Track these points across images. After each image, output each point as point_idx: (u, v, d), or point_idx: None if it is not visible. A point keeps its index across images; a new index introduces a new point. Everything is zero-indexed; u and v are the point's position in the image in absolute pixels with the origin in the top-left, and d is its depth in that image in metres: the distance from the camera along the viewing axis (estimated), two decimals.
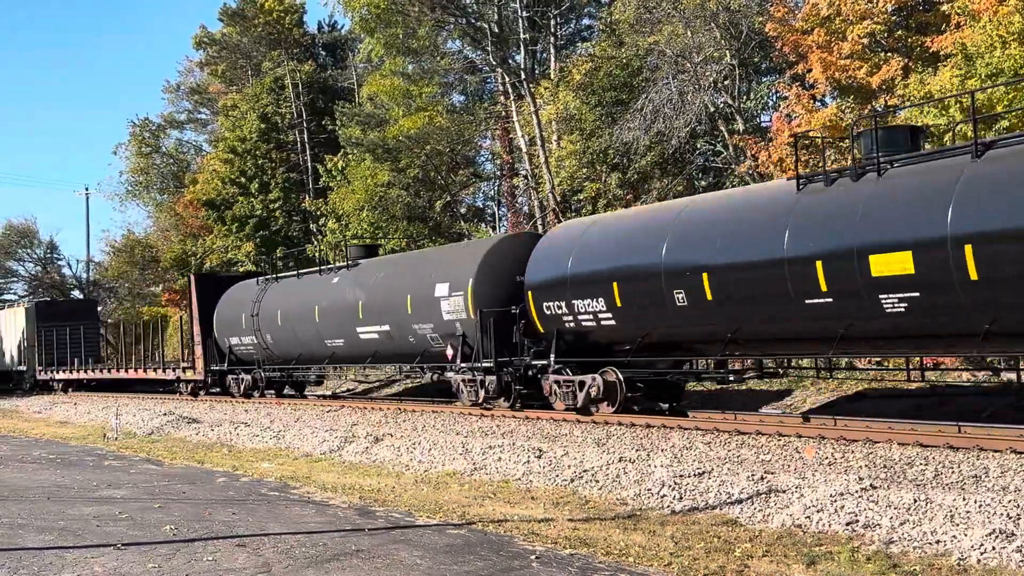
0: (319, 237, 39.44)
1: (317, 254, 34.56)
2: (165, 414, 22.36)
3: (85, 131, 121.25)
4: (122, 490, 11.84)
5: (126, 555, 7.91)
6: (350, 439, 15.65)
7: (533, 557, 7.59)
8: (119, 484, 12.40)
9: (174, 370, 31.35)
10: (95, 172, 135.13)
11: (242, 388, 27.29)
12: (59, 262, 70.70)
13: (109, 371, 36.36)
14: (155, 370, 33.05)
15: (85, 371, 37.03)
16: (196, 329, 28.97)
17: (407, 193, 34.25)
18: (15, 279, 60.11)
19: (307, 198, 43.21)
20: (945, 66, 18.71)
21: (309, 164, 44.70)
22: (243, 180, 44.58)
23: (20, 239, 73.07)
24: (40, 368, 39.63)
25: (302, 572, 7.22)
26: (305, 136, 45.23)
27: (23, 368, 41.39)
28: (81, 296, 59.81)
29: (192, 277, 31.25)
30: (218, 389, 29.31)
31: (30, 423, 25.06)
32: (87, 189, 63.01)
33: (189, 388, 29.93)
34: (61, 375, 38.15)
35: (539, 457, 12.26)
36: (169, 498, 11.06)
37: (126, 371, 34.85)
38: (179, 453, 16.21)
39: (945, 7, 19.66)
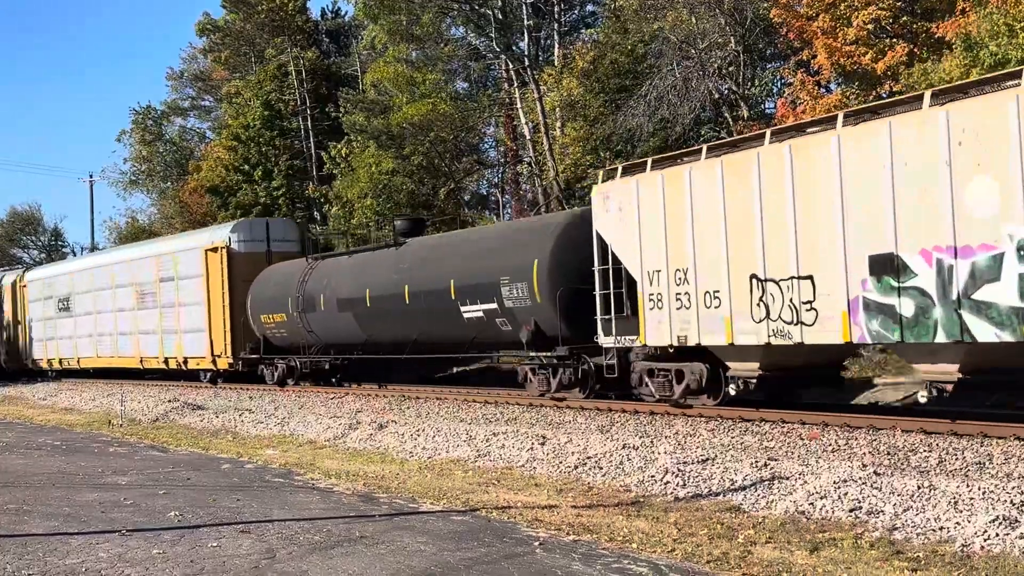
0: (323, 225, 39.46)
1: (322, 240, 34.58)
2: (170, 401, 22.41)
3: (90, 118, 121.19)
4: (127, 476, 11.88)
5: (131, 541, 7.94)
6: (354, 426, 15.68)
7: (537, 543, 7.61)
8: (124, 470, 12.44)
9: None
10: (100, 159, 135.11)
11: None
12: (63, 249, 70.83)
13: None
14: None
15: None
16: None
17: (411, 180, 34.23)
18: (19, 266, 60.15)
19: (311, 185, 43.20)
20: (950, 53, 18.62)
21: (312, 151, 44.69)
22: (247, 167, 44.56)
23: (24, 226, 73.22)
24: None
25: (306, 558, 7.24)
26: (308, 123, 45.19)
27: None
28: None
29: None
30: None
31: (35, 410, 25.14)
32: (91, 176, 62.93)
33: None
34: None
35: (543, 444, 12.28)
36: (174, 484, 11.10)
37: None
38: (184, 440, 16.26)
39: None
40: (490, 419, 15.59)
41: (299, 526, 8.41)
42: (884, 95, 21.04)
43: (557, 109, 30.25)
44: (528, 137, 31.98)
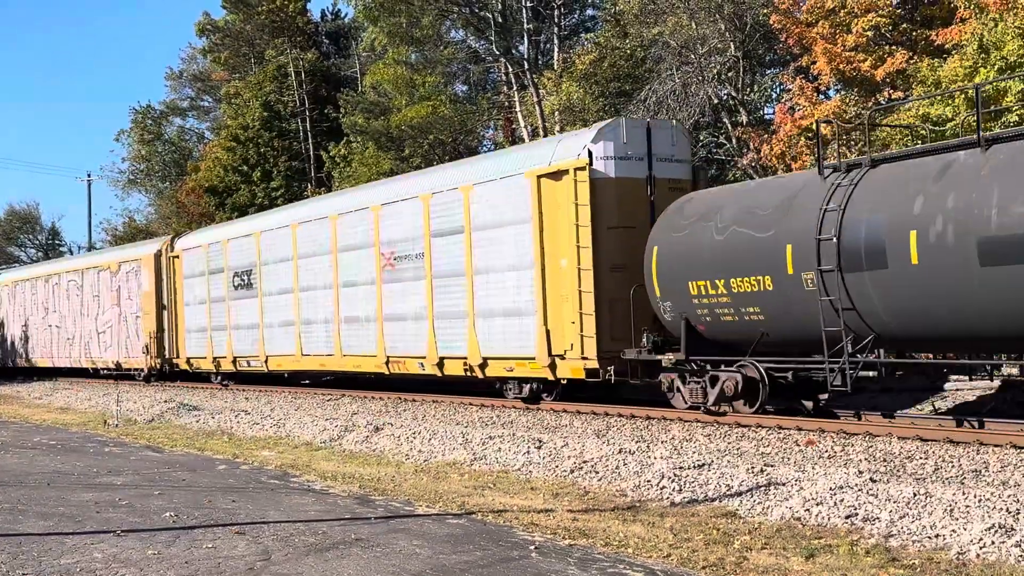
0: None
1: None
2: (166, 401, 22.39)
3: (88, 117, 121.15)
4: (122, 477, 11.86)
5: (126, 541, 7.93)
6: (350, 428, 15.67)
7: (532, 547, 7.60)
8: (120, 471, 12.42)
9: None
10: (98, 158, 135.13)
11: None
12: (61, 248, 70.82)
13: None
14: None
15: None
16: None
17: None
18: (16, 264, 60.13)
19: (309, 186, 43.21)
20: (952, 57, 18.66)
21: (311, 152, 44.71)
22: (245, 168, 44.58)
23: (22, 224, 73.21)
24: None
25: (302, 560, 7.23)
26: (308, 124, 45.22)
27: None
28: None
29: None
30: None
31: (31, 409, 25.10)
32: (89, 175, 62.93)
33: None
34: None
35: (539, 448, 12.27)
36: (169, 485, 11.08)
37: None
38: (180, 440, 16.24)
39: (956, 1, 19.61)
40: (486, 422, 15.59)
41: (295, 528, 8.40)
42: (883, 101, 21.10)
43: (556, 113, 30.29)
44: (527, 140, 31.99)
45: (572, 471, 11.10)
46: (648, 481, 10.15)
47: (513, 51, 33.44)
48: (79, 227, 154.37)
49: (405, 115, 33.50)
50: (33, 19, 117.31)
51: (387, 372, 20.24)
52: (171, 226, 49.55)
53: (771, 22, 22.82)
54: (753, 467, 9.82)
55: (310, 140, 44.98)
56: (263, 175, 44.12)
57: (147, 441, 16.30)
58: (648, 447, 11.56)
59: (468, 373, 18.18)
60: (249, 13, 46.97)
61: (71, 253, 65.79)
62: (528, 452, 12.17)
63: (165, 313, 29.24)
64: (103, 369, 33.08)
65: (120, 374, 31.98)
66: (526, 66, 31.77)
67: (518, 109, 32.62)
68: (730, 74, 25.21)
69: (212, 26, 50.74)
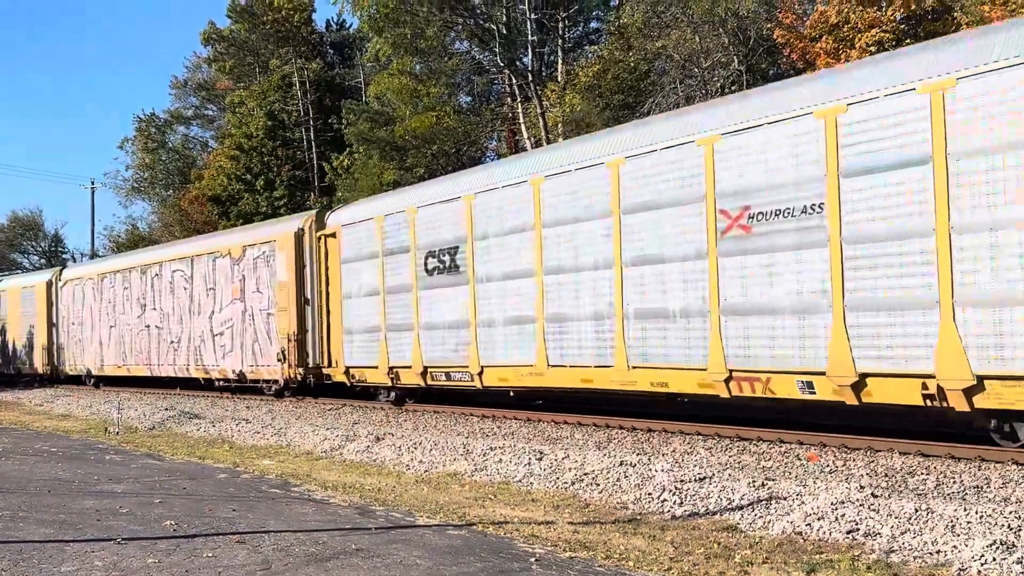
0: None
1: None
2: (167, 409, 22.38)
3: (92, 124, 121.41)
4: (123, 484, 11.85)
5: (126, 549, 7.92)
6: (351, 438, 15.66)
7: (533, 560, 7.59)
8: (120, 478, 12.42)
9: None
10: (101, 166, 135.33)
11: None
12: (64, 255, 70.90)
13: None
14: None
15: None
16: None
17: None
18: (19, 271, 60.24)
19: (312, 196, 43.28)
20: None
21: (315, 162, 44.81)
22: (249, 177, 44.69)
23: (25, 231, 73.35)
24: None
25: (301, 570, 7.23)
26: (312, 134, 45.35)
27: None
28: None
29: None
30: None
31: (32, 416, 25.10)
32: (92, 183, 63.07)
33: None
34: None
35: (540, 459, 12.26)
36: (170, 493, 11.07)
37: None
38: (180, 448, 16.23)
39: (957, 15, 19.69)
40: (487, 433, 15.58)
41: (295, 537, 8.39)
42: None
43: (559, 124, 30.38)
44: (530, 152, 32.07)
45: (573, 483, 11.10)
46: (649, 494, 10.14)
47: (517, 63, 33.55)
48: (82, 234, 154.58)
49: (409, 124, 33.58)
50: (35, 23, 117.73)
51: (727, 394, 13.19)
52: (174, 234, 49.43)
53: (774, 36, 22.92)
54: (754, 481, 9.81)
55: (314, 150, 45.10)
56: (266, 184, 44.22)
57: (148, 449, 16.29)
58: (649, 460, 11.55)
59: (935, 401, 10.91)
60: (254, 23, 47.20)
61: (74, 260, 65.66)
62: (529, 463, 12.17)
63: (309, 309, 22.59)
64: (219, 380, 26.47)
65: (243, 387, 25.66)
66: (530, 78, 31.87)
67: (522, 120, 32.70)
68: (733, 88, 25.27)
69: (217, 35, 50.95)
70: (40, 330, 37.23)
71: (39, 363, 37.35)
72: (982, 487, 9.41)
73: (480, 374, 17.37)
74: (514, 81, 33.62)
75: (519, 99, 33.07)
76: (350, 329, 20.89)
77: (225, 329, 25.90)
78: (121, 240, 59.22)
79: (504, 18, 32.38)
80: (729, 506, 9.36)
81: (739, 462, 11.52)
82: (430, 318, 18.55)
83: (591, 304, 15.19)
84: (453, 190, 18.28)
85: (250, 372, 24.82)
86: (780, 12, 23.35)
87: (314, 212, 23.71)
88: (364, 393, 21.66)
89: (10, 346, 39.64)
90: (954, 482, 9.70)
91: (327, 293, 21.72)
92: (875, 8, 21.37)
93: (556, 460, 12.08)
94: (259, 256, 24.49)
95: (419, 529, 8.90)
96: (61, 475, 12.78)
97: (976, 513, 7.88)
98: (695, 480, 10.22)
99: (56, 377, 36.31)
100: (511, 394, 17.48)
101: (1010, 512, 7.80)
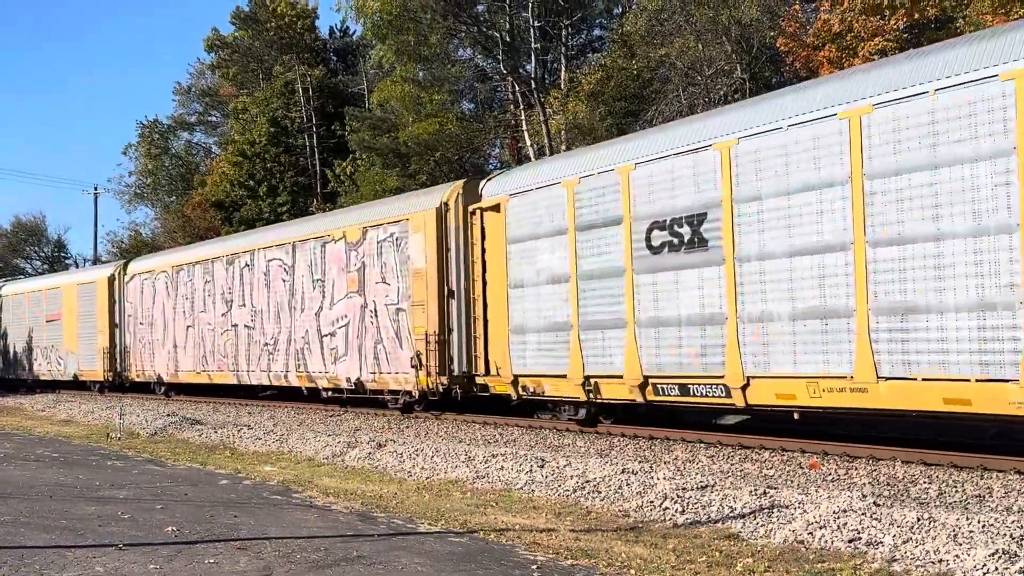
0: None
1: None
2: (168, 415, 22.39)
3: (96, 130, 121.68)
4: (125, 490, 11.85)
5: (128, 555, 7.92)
6: (353, 444, 15.66)
7: (535, 567, 7.59)
8: (122, 484, 12.41)
9: None
10: (105, 171, 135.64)
11: None
12: (67, 260, 71.01)
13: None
14: None
15: None
16: None
17: None
18: (22, 276, 60.30)
19: (315, 202, 43.35)
20: None
21: (318, 168, 44.90)
22: (252, 183, 44.77)
23: (28, 236, 73.47)
24: None
25: None
26: (314, 140, 45.44)
27: None
28: None
29: None
30: None
31: (34, 421, 25.11)
32: (96, 188, 63.16)
33: None
34: None
35: (542, 467, 12.25)
36: (171, 499, 11.07)
37: None
38: (182, 454, 16.23)
39: (960, 24, 19.71)
40: (489, 440, 15.57)
41: (296, 544, 8.38)
42: None
43: (562, 132, 30.42)
44: (533, 159, 32.12)
45: (575, 490, 11.09)
46: (651, 502, 10.13)
47: (520, 70, 33.61)
48: (85, 240, 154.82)
49: (412, 131, 33.63)
50: (37, 28, 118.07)
51: None
52: (177, 240, 49.46)
53: (778, 45, 22.95)
54: (756, 489, 9.80)
55: (316, 156, 45.19)
56: (269, 190, 44.30)
57: (149, 455, 16.29)
58: (651, 467, 11.54)
59: None
60: (258, 30, 47.34)
61: (76, 266, 65.70)
62: (531, 471, 12.16)
63: (454, 304, 18.24)
64: (329, 390, 22.09)
65: (361, 398, 21.13)
66: (533, 85, 31.92)
67: (524, 128, 32.75)
68: (736, 96, 25.30)
69: (221, 42, 51.10)
70: (101, 331, 32.49)
71: (100, 369, 32.64)
72: (984, 496, 9.39)
73: (744, 388, 12.85)
74: (517, 88, 33.68)
75: (522, 106, 33.13)
76: (521, 327, 16.42)
77: (337, 329, 21.57)
78: (124, 246, 59.29)
79: (507, 25, 32.45)
80: (731, 514, 9.35)
81: (741, 470, 11.50)
82: (653, 311, 14.03)
83: (975, 288, 10.15)
84: (698, 135, 13.53)
85: (371, 381, 20.45)
86: (783, 20, 23.39)
87: (461, 183, 18.88)
88: (529, 410, 17.45)
89: (61, 349, 35.04)
90: (956, 491, 9.68)
91: (483, 282, 17.36)
92: (878, 17, 21.39)
93: (558, 467, 12.07)
94: (385, 239, 19.85)
95: (421, 536, 8.90)
96: (63, 480, 12.78)
97: (978, 522, 7.87)
98: (697, 488, 10.21)
99: (119, 384, 32.21)
100: (795, 416, 12.78)
101: (1012, 521, 7.79)
